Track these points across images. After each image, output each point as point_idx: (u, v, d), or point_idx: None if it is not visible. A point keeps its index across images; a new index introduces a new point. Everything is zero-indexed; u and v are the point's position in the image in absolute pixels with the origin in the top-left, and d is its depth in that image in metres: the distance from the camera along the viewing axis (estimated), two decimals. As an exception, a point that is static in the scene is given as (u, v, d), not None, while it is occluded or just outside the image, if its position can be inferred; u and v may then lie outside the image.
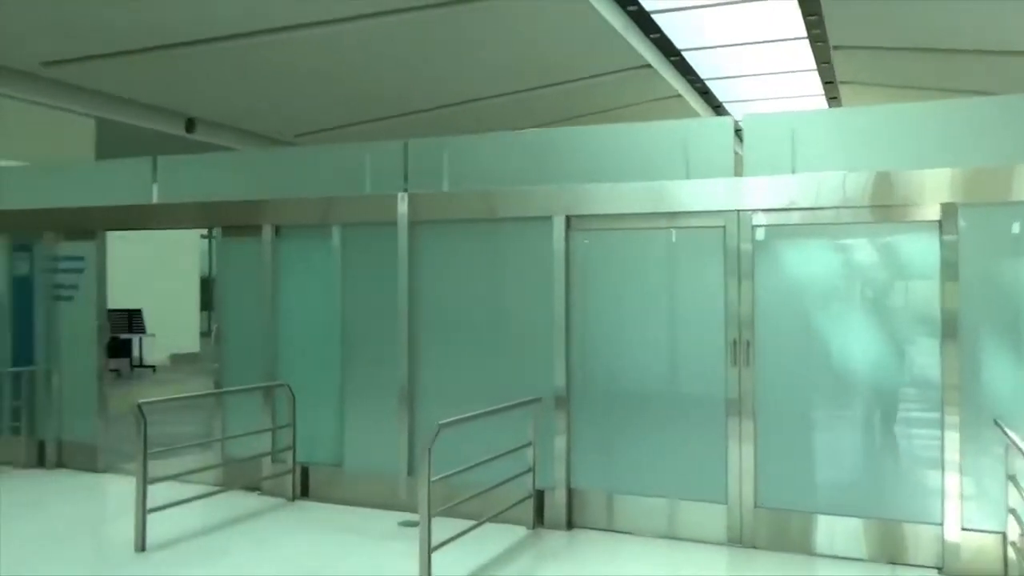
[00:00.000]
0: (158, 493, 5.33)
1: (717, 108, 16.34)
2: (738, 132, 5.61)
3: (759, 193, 5.28)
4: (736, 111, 15.91)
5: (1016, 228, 4.88)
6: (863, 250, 5.28)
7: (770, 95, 16.04)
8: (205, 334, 18.15)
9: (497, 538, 5.34)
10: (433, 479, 4.39)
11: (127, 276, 16.59)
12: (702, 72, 15.34)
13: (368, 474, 6.29)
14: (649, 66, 16.18)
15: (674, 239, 5.59)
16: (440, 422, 4.47)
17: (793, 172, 5.29)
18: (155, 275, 17.34)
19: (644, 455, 5.60)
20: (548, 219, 5.77)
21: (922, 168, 4.96)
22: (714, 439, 5.39)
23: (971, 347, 4.88)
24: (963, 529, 4.84)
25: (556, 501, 5.72)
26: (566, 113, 16.53)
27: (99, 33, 17.03)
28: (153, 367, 16.81)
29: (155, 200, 7.24)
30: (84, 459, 7.42)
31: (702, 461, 5.44)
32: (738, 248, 5.34)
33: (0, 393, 7.75)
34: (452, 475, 4.70)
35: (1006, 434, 4.41)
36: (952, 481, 4.86)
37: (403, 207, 6.19)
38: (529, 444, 5.60)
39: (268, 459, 6.54)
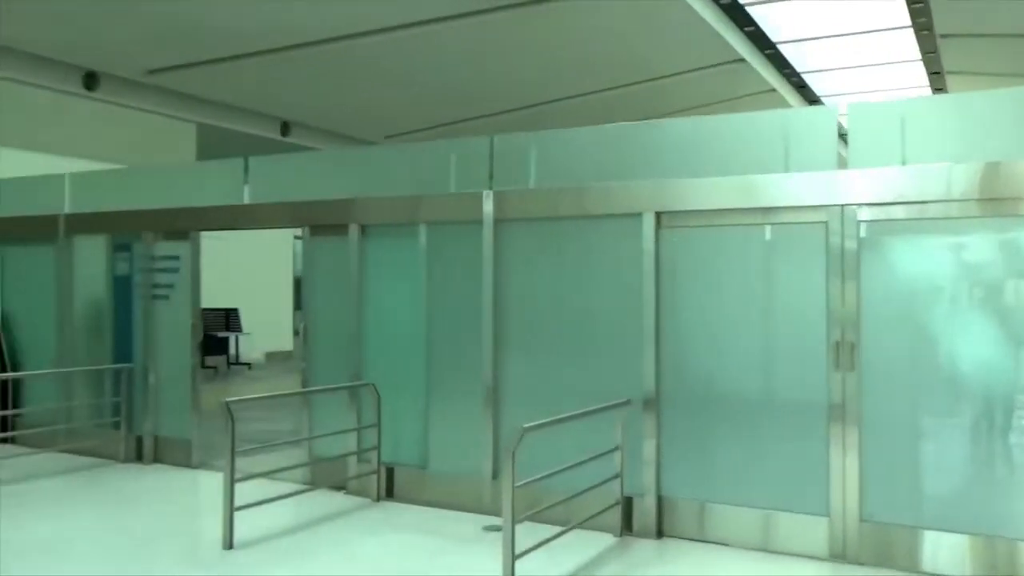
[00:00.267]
0: (247, 491, 5.36)
1: (814, 103, 15.74)
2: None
3: (865, 186, 4.95)
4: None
5: None
6: (977, 246, 4.89)
7: (871, 88, 15.34)
8: (298, 333, 18.48)
9: (583, 545, 5.17)
10: (517, 484, 4.25)
11: (224, 276, 17.08)
12: (798, 65, 14.80)
13: (452, 476, 6.21)
14: (743, 60, 15.72)
15: (772, 236, 5.30)
16: (524, 426, 4.32)
17: (903, 163, 4.94)
18: (251, 275, 17.80)
19: (739, 462, 5.33)
20: (637, 216, 5.56)
21: (1048, 157, 4.56)
22: (815, 447, 5.09)
23: (1106, 352, 4.45)
24: (1096, 552, 4.42)
25: (645, 508, 5.50)
26: (656, 111, 16.22)
27: (200, 41, 17.62)
28: (249, 365, 17.25)
29: (246, 201, 7.34)
30: (179, 455, 7.59)
31: (802, 470, 5.14)
32: (842, 244, 5.02)
33: (102, 389, 8.00)
34: (537, 480, 4.55)
35: None
36: (1084, 499, 4.44)
37: (488, 205, 6.08)
38: (617, 448, 5.40)
39: (354, 459, 6.53)
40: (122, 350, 7.97)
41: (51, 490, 6.80)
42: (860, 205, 4.98)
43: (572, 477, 4.97)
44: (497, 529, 4.92)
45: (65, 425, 8.01)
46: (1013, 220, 4.69)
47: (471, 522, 5.81)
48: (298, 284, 19.63)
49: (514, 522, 4.24)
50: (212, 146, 19.38)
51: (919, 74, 13.37)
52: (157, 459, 7.72)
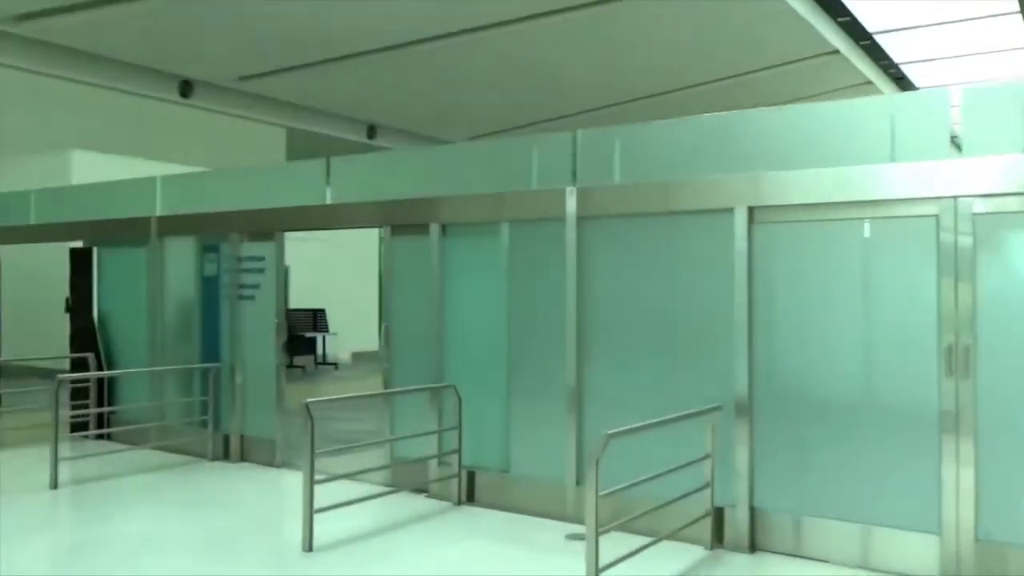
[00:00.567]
0: (328, 492, 5.30)
1: (914, 94, 14.96)
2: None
3: (982, 176, 4.55)
4: (938, 94, 14.50)
5: None
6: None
7: (975, 78, 14.53)
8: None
9: (672, 558, 4.92)
10: (602, 493, 4.04)
11: (312, 277, 17.37)
12: (896, 56, 14.09)
13: (535, 481, 6.04)
14: (837, 52, 15.09)
15: (876, 231, 4.94)
16: (608, 432, 4.11)
17: (1024, 151, 4.53)
18: (339, 276, 18.04)
19: (839, 473, 4.99)
20: (729, 211, 5.28)
21: None
22: (924, 458, 4.71)
23: None
24: None
25: (737, 520, 5.21)
26: (746, 106, 15.76)
27: (290, 47, 17.99)
28: (335, 364, 17.48)
29: (328, 201, 7.33)
30: (264, 454, 7.64)
31: (909, 483, 4.77)
32: (955, 240, 4.63)
33: (191, 388, 8.14)
34: (622, 489, 4.33)
35: None
36: None
37: (571, 202, 5.88)
38: (707, 456, 5.12)
39: (435, 461, 6.43)
40: (210, 350, 8.09)
41: (141, 487, 6.93)
42: (975, 197, 4.59)
43: (659, 485, 4.73)
44: (581, 538, 4.72)
45: (157, 423, 8.17)
46: None
47: (554, 530, 5.62)
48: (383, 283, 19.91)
49: (598, 533, 4.04)
50: (300, 150, 19.77)
51: (1029, 61, 12.61)
52: (243, 458, 7.79)
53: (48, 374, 8.10)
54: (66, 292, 9.30)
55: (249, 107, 21.25)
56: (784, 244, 5.20)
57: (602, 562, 4.05)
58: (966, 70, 13.74)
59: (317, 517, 5.17)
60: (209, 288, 8.15)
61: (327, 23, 16.53)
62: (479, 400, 6.33)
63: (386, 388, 6.86)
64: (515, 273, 6.23)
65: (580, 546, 4.42)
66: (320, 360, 17.23)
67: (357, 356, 18.58)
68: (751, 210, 5.23)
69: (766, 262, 5.24)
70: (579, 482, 5.79)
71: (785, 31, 14.87)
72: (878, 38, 13.54)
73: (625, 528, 4.51)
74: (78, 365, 8.82)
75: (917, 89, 14.89)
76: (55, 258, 10.21)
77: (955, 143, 4.76)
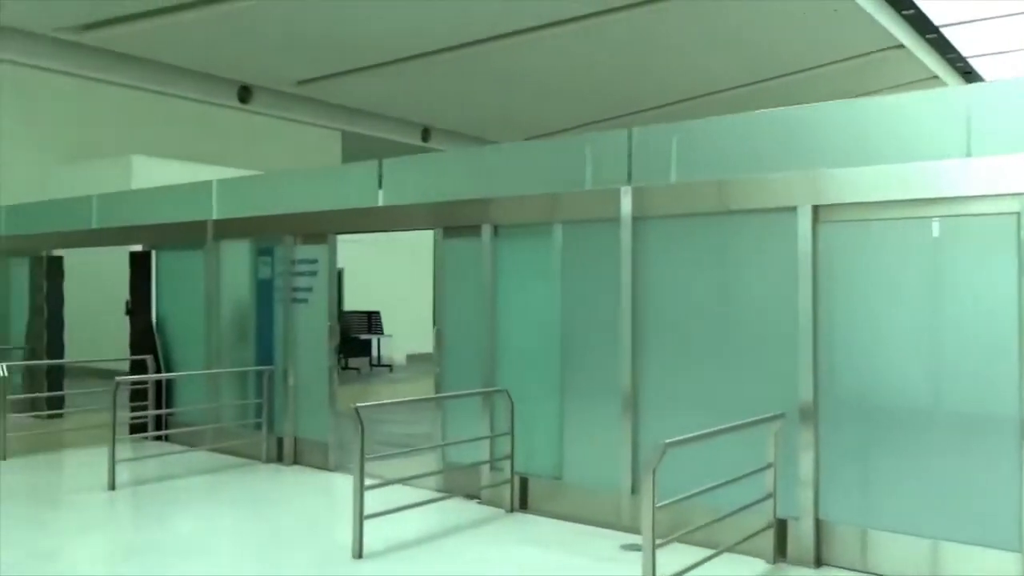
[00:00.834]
0: (379, 496, 5.22)
1: (985, 88, 14.41)
2: None
3: (1067, 170, 4.26)
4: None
5: None
6: None
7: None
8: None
9: (732, 572, 4.72)
10: (659, 504, 3.87)
11: (367, 279, 17.46)
12: (964, 50, 13.57)
13: (588, 489, 5.88)
14: (902, 46, 14.59)
15: (950, 229, 4.67)
16: (666, 441, 3.94)
17: (1114, 143, 4.23)
18: (393, 278, 18.11)
19: (909, 484, 4.73)
20: (792, 210, 5.06)
21: None
22: (1004, 469, 4.43)
23: None
24: None
25: (801, 533, 4.98)
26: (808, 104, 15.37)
27: (346, 51, 18.16)
28: (390, 366, 17.53)
29: (380, 203, 7.28)
30: (316, 457, 7.63)
31: (988, 497, 4.49)
32: (1038, 238, 4.35)
33: (245, 391, 8.17)
34: (680, 500, 4.16)
35: None
36: None
37: (626, 202, 5.71)
38: (769, 466, 4.91)
39: (487, 467, 6.32)
40: (264, 352, 8.11)
41: (196, 489, 6.96)
42: (1060, 193, 4.30)
43: (719, 495, 4.54)
44: (637, 548, 4.57)
45: (212, 425, 8.23)
46: None
47: (609, 539, 5.46)
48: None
49: (655, 545, 3.87)
50: (356, 153, 19.91)
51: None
52: (297, 460, 7.79)
53: (110, 375, 8.21)
54: (126, 295, 9.44)
55: (306, 111, 21.56)
56: (852, 243, 4.96)
57: (659, 574, 3.88)
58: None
59: (368, 522, 5.09)
60: (263, 291, 8.17)
61: (382, 27, 16.63)
62: (532, 404, 6.21)
63: (438, 392, 6.78)
64: (568, 275, 6.08)
65: (636, 557, 4.26)
66: (375, 362, 17.30)
67: (412, 358, 18.63)
68: (815, 209, 5.00)
69: (831, 262, 5.01)
70: (634, 490, 5.62)
71: (847, 25, 14.45)
72: (945, 31, 13.08)
73: (683, 539, 4.34)
74: (137, 367, 8.94)
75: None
76: (116, 261, 10.36)
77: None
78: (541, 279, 6.21)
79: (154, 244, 9.17)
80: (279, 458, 7.86)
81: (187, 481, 7.18)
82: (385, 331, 17.55)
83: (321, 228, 7.59)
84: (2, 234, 11.37)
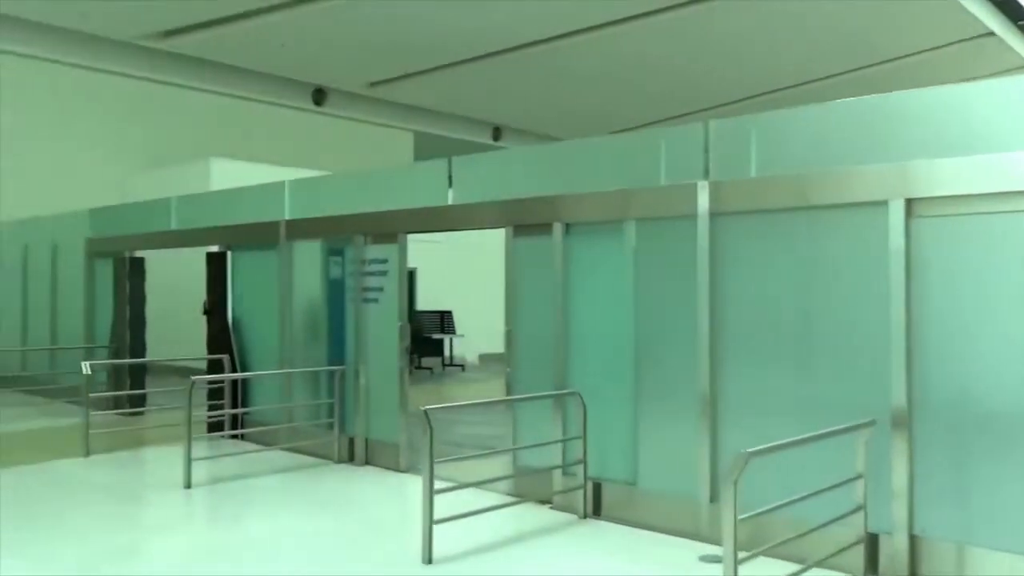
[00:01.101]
0: (449, 500, 5.11)
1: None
2: None
3: None
4: (1118, 72, 13.17)
5: None
6: None
7: None
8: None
9: (819, 588, 4.45)
10: (741, 517, 3.65)
11: (440, 279, 17.49)
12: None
13: (665, 496, 5.67)
14: (992, 34, 13.88)
15: (1060, 223, 4.31)
16: (749, 450, 3.72)
17: None
18: (466, 277, 18.09)
19: (1012, 497, 4.38)
20: (882, 204, 4.75)
21: None
22: (1123, 487, 4.06)
23: None
24: None
25: (894, 549, 4.68)
26: (894, 93, 14.80)
27: (418, 52, 18.22)
28: (462, 366, 17.52)
29: (450, 201, 7.19)
30: (388, 458, 7.59)
31: (1104, 515, 4.13)
32: None
33: (318, 391, 8.19)
34: (763, 513, 3.92)
35: None
36: None
37: (703, 198, 5.48)
38: (859, 476, 4.61)
39: (559, 472, 6.16)
40: (336, 352, 8.12)
41: (268, 489, 6.99)
42: None
43: (805, 506, 4.28)
44: (716, 560, 4.37)
45: (286, 424, 8.27)
46: None
47: (686, 549, 5.23)
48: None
49: (737, 560, 3.65)
50: (428, 154, 19.97)
51: None
52: (368, 461, 7.76)
53: (191, 374, 8.33)
54: (204, 295, 9.59)
55: (378, 112, 21.74)
56: (948, 239, 4.62)
57: (741, 592, 3.67)
58: None
59: (438, 527, 4.99)
60: (335, 290, 8.18)
61: (454, 26, 16.62)
62: (605, 407, 6.02)
63: (508, 394, 6.65)
64: (642, 274, 5.88)
65: (715, 569, 4.07)
66: (447, 362, 17.31)
67: (484, 358, 18.59)
68: (909, 202, 4.69)
69: (925, 259, 4.68)
70: (713, 499, 5.39)
71: (935, 12, 13.80)
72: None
73: (767, 553, 4.10)
74: (214, 366, 9.07)
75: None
76: (195, 262, 10.55)
77: None
78: (614, 278, 6.02)
79: (230, 245, 9.29)
80: (351, 458, 7.85)
81: (260, 480, 7.22)
82: (458, 331, 17.54)
83: (391, 228, 7.55)
84: (88, 236, 11.72)
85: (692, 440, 5.52)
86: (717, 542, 5.06)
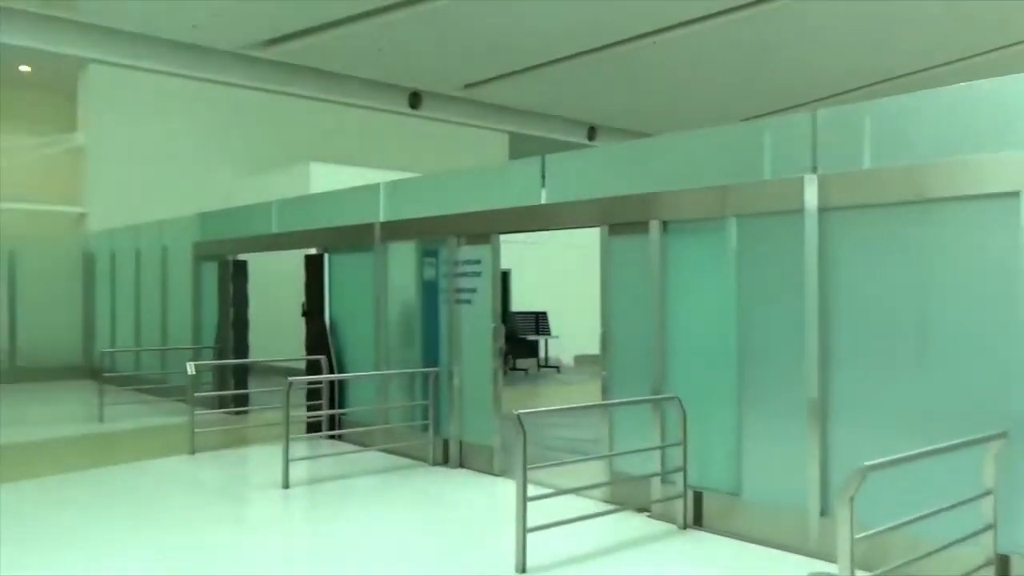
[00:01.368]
0: (544, 507, 4.95)
1: None
2: None
3: None
4: None
5: None
6: None
7: None
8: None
9: (944, 613, 4.10)
10: (858, 535, 3.37)
11: (535, 280, 17.38)
12: None
13: (771, 507, 5.37)
14: None
15: None
16: (866, 465, 3.43)
17: None
18: (561, 278, 17.93)
19: None
20: (1014, 195, 4.35)
21: None
22: None
23: None
24: None
25: (1029, 572, 4.28)
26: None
27: (512, 52, 18.21)
28: (557, 367, 17.37)
29: (543, 201, 7.05)
30: (482, 461, 7.50)
31: None
32: None
33: (412, 392, 8.18)
34: (882, 532, 3.63)
35: None
36: None
37: (811, 192, 5.16)
38: (988, 493, 4.24)
39: (658, 479, 5.93)
40: (430, 353, 8.09)
41: (364, 490, 7.00)
42: None
43: (926, 524, 3.95)
44: (827, 579, 4.07)
45: (382, 425, 8.30)
46: None
47: (794, 564, 4.93)
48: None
49: (853, 582, 3.38)
50: (523, 155, 19.92)
51: None
52: (462, 463, 7.70)
53: (292, 374, 8.47)
54: (302, 297, 9.74)
55: (473, 114, 21.86)
56: (1090, 233, 4.20)
57: (858, 617, 3.39)
58: None
59: (532, 534, 4.85)
60: (429, 292, 8.15)
61: (547, 26, 16.52)
62: (706, 413, 5.76)
63: (604, 397, 6.45)
64: (745, 273, 5.59)
65: (827, 591, 3.78)
66: (542, 363, 17.19)
67: (580, 359, 18.39)
68: (1044, 193, 4.28)
69: (1064, 256, 4.27)
70: (823, 512, 5.06)
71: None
72: None
73: (885, 573, 3.79)
74: (313, 367, 9.19)
75: None
76: (295, 264, 10.75)
77: None
78: (715, 277, 5.75)
79: (327, 247, 9.40)
80: (445, 460, 7.80)
81: (356, 482, 7.24)
82: (553, 332, 17.40)
83: (483, 228, 7.46)
84: (196, 240, 12.12)
85: (800, 448, 5.21)
86: (827, 558, 4.77)
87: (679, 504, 5.73)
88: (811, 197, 5.15)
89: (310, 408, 9.06)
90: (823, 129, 5.22)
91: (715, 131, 6.01)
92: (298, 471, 7.25)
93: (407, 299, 8.36)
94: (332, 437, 8.87)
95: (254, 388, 10.88)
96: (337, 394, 8.99)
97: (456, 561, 5.18)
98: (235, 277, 11.18)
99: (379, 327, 8.62)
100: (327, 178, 13.77)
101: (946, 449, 3.98)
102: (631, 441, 6.12)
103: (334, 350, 9.16)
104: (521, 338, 16.73)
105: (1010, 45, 15.43)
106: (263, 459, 8.11)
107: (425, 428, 7.91)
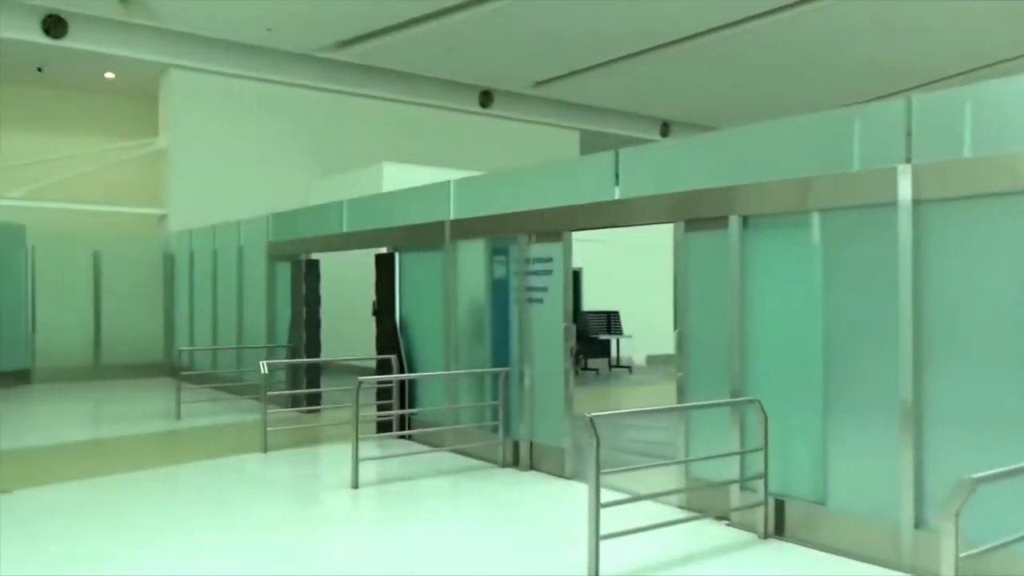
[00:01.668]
0: (617, 512, 4.76)
1: None
2: None
3: None
4: None
5: None
6: None
7: None
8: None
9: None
10: (964, 554, 3.10)
11: (607, 279, 17.13)
12: None
13: (859, 517, 5.05)
14: None
15: None
16: (975, 476, 3.14)
17: None
18: (632, 277, 17.66)
19: None
20: None
21: None
22: None
23: None
24: None
25: None
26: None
27: (583, 48, 18.01)
28: (629, 368, 17.08)
29: (617, 197, 6.83)
30: (553, 463, 7.33)
31: None
32: None
33: (482, 392, 8.06)
34: (989, 550, 3.33)
35: None
36: None
37: (904, 183, 4.83)
38: (1107, 508, 3.88)
39: (737, 486, 5.66)
40: (500, 353, 7.95)
41: (433, 492, 6.91)
42: None
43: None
44: (925, 598, 3.77)
45: (452, 426, 8.21)
46: None
47: (886, 581, 4.64)
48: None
49: (957, 604, 3.10)
50: (594, 152, 19.68)
51: None
52: (533, 466, 7.54)
53: (364, 374, 8.45)
54: (373, 296, 9.73)
55: (544, 112, 21.71)
56: None
57: (964, 643, 3.11)
58: None
59: (605, 542, 4.66)
60: (499, 291, 8.02)
61: (618, 21, 16.25)
62: (788, 416, 5.48)
63: (680, 399, 6.22)
64: (832, 270, 5.28)
65: (927, 612, 3.50)
66: (614, 363, 16.93)
67: (652, 359, 18.07)
68: None
69: None
70: (918, 524, 4.74)
71: None
72: None
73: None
74: (383, 366, 9.16)
75: None
76: (366, 263, 10.78)
77: None
78: (799, 274, 5.46)
79: (397, 246, 9.36)
80: (515, 462, 7.65)
81: (425, 483, 7.16)
82: (625, 331, 17.11)
83: (555, 225, 7.28)
84: (270, 241, 12.27)
85: (892, 455, 4.90)
86: (921, 573, 4.47)
87: (760, 512, 5.46)
88: (905, 189, 4.82)
89: (380, 407, 9.03)
90: (919, 116, 4.88)
91: (799, 120, 5.71)
92: (368, 471, 7.21)
93: (477, 298, 8.25)
94: (402, 437, 8.82)
95: (326, 387, 10.94)
96: (407, 393, 8.94)
97: (527, 568, 5.02)
98: (307, 276, 11.27)
99: (449, 326, 8.53)
100: (399, 178, 13.78)
101: (1062, 460, 3.65)
102: (709, 445, 5.87)
103: (404, 349, 9.11)
104: (593, 338, 16.50)
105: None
106: (334, 458, 8.10)
107: (495, 429, 7.79)
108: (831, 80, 19.78)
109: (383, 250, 9.58)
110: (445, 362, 8.55)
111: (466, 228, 8.30)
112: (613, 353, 16.96)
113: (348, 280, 13.33)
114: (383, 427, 9.01)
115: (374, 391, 9.09)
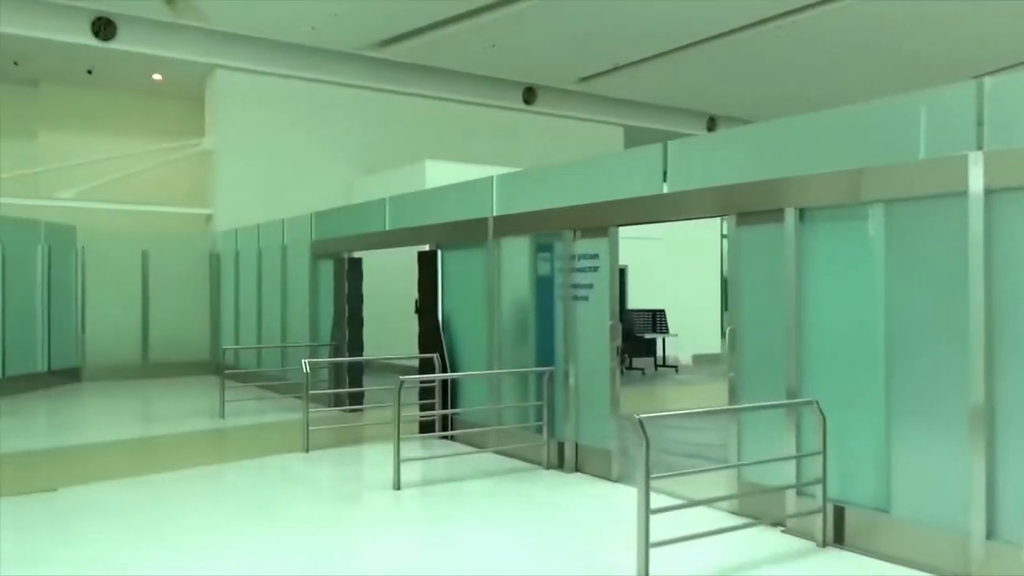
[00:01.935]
0: (666, 518, 4.54)
1: None
2: None
3: None
4: None
5: None
6: None
7: None
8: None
9: None
10: (1051, 572, 2.84)
11: (652, 277, 16.84)
12: None
13: (925, 526, 4.77)
14: None
15: None
16: (1066, 487, 2.88)
17: None
18: (678, 275, 17.37)
19: None
20: None
21: None
22: None
23: None
24: None
25: None
26: None
27: (627, 43, 17.74)
28: (675, 367, 16.78)
29: (665, 190, 6.61)
30: (598, 465, 7.13)
31: None
32: None
33: (526, 392, 7.89)
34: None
35: None
36: None
37: (976, 172, 4.54)
38: None
39: (793, 491, 5.41)
40: (544, 352, 7.77)
41: (476, 495, 6.76)
42: None
43: None
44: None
45: (495, 426, 8.05)
46: None
47: (956, 594, 4.36)
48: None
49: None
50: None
51: None
52: (578, 467, 7.34)
53: (406, 372, 8.33)
54: (415, 293, 9.62)
55: (589, 108, 21.48)
56: None
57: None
58: None
59: (655, 549, 4.45)
60: (543, 288, 7.84)
61: (661, 15, 15.95)
62: (848, 419, 5.21)
63: (732, 400, 5.97)
64: (895, 264, 5.00)
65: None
66: (660, 362, 16.64)
67: (698, 359, 17.73)
68: None
69: None
70: (991, 535, 4.45)
71: None
72: None
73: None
74: (425, 365, 9.04)
75: None
76: (408, 260, 10.68)
77: None
78: (859, 269, 5.18)
79: (440, 243, 9.23)
80: (560, 464, 7.47)
81: (467, 485, 7.01)
82: (671, 330, 16.81)
83: (601, 221, 7.08)
84: (313, 239, 12.25)
85: (961, 461, 4.61)
86: (1000, 590, 4.18)
87: (818, 519, 5.20)
88: (976, 177, 4.53)
89: (422, 407, 8.91)
90: (992, 100, 4.58)
91: (858, 108, 5.43)
92: (410, 472, 7.08)
93: (520, 295, 8.07)
94: (445, 437, 8.69)
95: (368, 386, 10.86)
96: (450, 393, 8.80)
97: (572, 574, 4.83)
98: (350, 274, 11.21)
99: (492, 324, 8.37)
100: (443, 176, 13.67)
101: None
102: (763, 449, 5.63)
103: (447, 347, 8.98)
104: (638, 336, 16.23)
105: None
106: (376, 458, 7.99)
107: (539, 430, 7.60)
108: (879, 72, 19.24)
109: (425, 247, 9.45)
110: (488, 361, 8.39)
111: (510, 224, 8.13)
112: (659, 352, 16.66)
113: (391, 278, 13.25)
114: (425, 427, 8.89)
115: (416, 390, 8.97)
